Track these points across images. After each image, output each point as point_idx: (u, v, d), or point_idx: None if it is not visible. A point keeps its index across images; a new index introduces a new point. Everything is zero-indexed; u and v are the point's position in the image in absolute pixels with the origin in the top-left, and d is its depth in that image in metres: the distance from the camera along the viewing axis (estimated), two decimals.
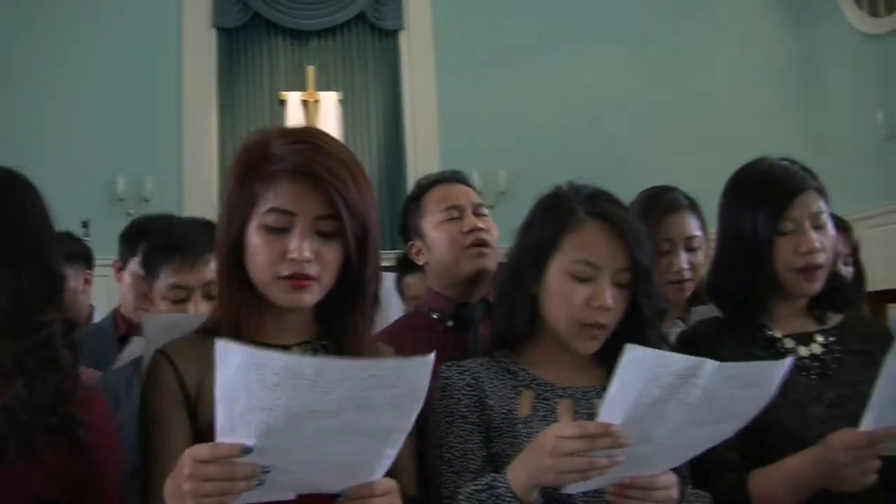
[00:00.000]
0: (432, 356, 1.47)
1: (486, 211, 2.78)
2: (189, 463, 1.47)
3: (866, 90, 9.96)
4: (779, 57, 11.03)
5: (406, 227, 2.87)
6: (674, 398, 1.68)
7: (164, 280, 2.64)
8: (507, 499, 1.82)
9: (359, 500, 1.61)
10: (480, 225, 2.69)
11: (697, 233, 2.88)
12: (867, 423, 1.93)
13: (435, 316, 2.72)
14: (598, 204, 2.12)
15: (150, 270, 2.72)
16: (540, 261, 2.11)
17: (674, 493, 1.86)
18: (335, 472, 1.60)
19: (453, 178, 2.85)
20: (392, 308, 3.66)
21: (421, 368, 1.47)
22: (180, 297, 2.64)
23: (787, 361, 1.78)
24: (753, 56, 10.89)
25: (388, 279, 3.62)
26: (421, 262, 2.81)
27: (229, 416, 1.46)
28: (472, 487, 1.88)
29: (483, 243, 2.67)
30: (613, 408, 1.68)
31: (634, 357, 1.64)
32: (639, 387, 1.66)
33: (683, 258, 2.82)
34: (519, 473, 1.82)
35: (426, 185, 2.84)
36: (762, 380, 1.77)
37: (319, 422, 1.47)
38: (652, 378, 1.65)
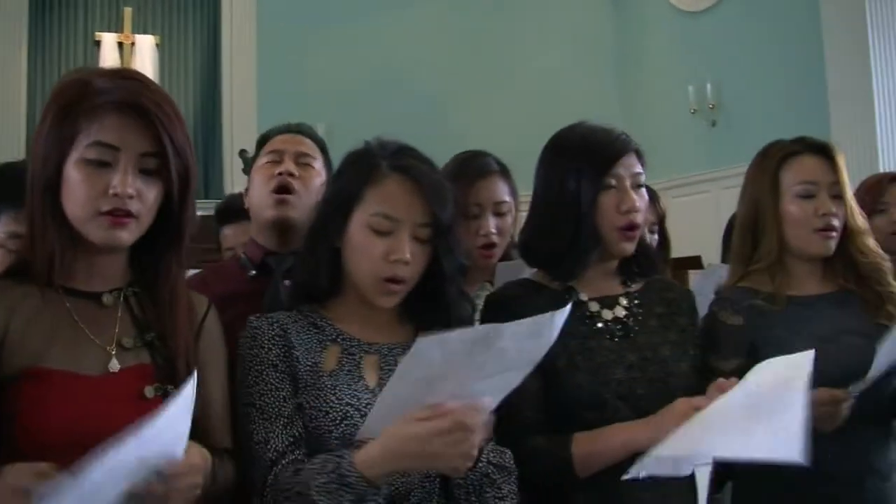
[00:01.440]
0: None
1: (311, 162, 2.78)
2: None
3: (680, 64, 10.28)
4: (597, 27, 11.25)
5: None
6: (468, 365, 1.74)
7: (4, 227, 2.52)
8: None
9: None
10: (294, 171, 2.69)
11: (507, 198, 2.90)
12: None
13: (246, 264, 2.71)
14: (402, 159, 2.13)
15: None
16: (343, 213, 2.11)
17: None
18: None
19: (296, 129, 2.87)
20: None
21: None
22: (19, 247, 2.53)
23: (565, 309, 1.84)
24: (572, 25, 11.09)
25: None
26: (247, 206, 2.83)
27: None
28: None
29: (287, 189, 2.66)
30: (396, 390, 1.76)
31: (422, 347, 1.69)
32: (430, 370, 1.72)
33: (492, 223, 2.83)
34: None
35: (269, 135, 2.86)
36: (544, 329, 1.83)
37: None
38: (444, 361, 1.71)
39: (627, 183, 2.32)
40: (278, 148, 2.75)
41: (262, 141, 2.85)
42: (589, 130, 2.40)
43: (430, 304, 2.15)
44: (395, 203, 2.07)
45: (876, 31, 8.19)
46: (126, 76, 1.89)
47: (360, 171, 2.13)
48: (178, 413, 1.57)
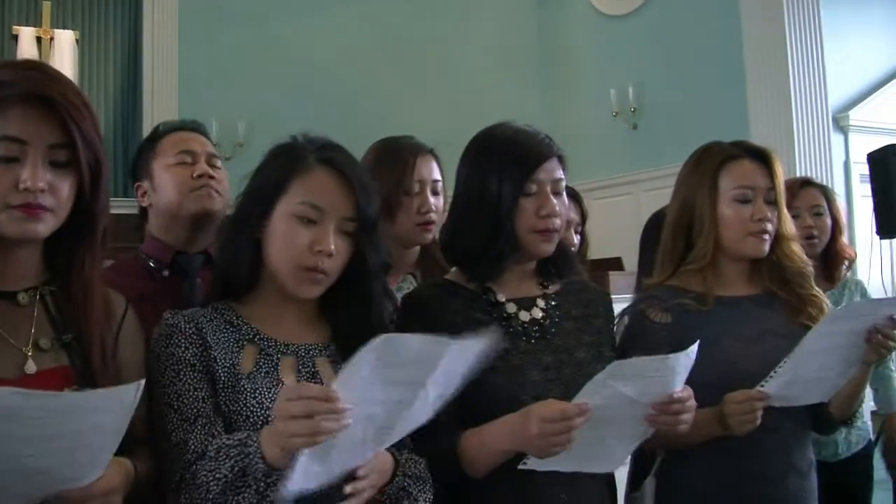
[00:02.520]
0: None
1: (219, 164, 2.76)
2: None
3: (602, 67, 10.39)
4: (520, 29, 11.34)
5: (137, 168, 2.80)
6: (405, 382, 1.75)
7: None
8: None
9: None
10: (212, 173, 2.67)
11: (440, 178, 2.92)
12: (576, 399, 2.05)
13: (152, 263, 2.67)
14: (329, 153, 2.13)
15: None
16: (266, 204, 2.09)
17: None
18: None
19: (194, 127, 2.82)
20: None
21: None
22: None
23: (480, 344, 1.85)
24: (496, 26, 11.17)
25: None
26: (144, 204, 2.75)
27: None
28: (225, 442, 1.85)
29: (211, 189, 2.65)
30: (345, 381, 1.70)
31: (375, 345, 1.67)
32: (373, 370, 1.70)
33: (432, 200, 2.85)
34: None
35: (165, 131, 2.79)
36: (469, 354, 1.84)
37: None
38: (390, 363, 1.70)
39: (548, 188, 2.33)
40: (192, 149, 2.71)
41: (157, 135, 2.78)
42: (513, 132, 2.40)
43: (351, 302, 2.14)
44: (322, 193, 2.07)
45: (794, 36, 8.36)
46: (29, 67, 1.85)
47: (286, 162, 2.13)
48: (114, 424, 1.53)
